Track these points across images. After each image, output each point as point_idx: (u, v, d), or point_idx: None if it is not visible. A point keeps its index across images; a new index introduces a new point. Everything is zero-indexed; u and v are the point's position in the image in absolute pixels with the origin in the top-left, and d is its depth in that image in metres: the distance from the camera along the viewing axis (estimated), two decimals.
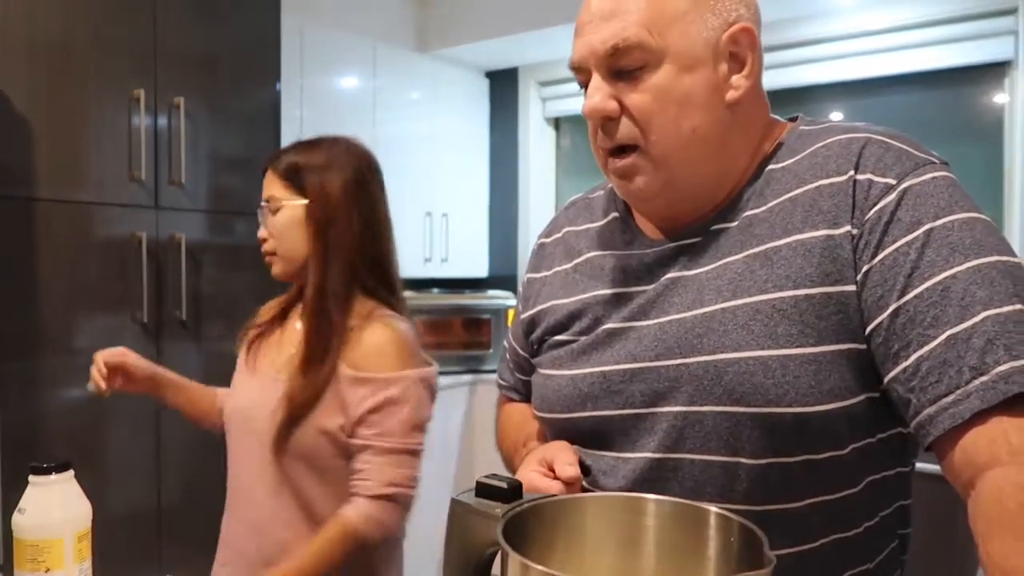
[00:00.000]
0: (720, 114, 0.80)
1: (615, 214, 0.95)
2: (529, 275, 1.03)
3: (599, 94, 0.80)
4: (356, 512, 1.25)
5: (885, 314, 0.71)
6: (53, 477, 0.89)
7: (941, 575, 1.65)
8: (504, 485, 0.61)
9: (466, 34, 3.72)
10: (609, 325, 0.86)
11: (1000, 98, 2.97)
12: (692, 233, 0.85)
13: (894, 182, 0.74)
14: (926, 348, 0.68)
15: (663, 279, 0.84)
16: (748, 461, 0.75)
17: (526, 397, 1.05)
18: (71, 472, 0.91)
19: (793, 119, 0.89)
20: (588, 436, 0.86)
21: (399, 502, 1.29)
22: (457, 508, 0.63)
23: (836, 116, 3.33)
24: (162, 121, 2.21)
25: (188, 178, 2.26)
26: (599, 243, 0.94)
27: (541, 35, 3.58)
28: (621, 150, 0.82)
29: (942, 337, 0.68)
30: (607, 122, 0.81)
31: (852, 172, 0.76)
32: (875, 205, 0.74)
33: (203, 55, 2.32)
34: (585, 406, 0.86)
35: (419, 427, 1.32)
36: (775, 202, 0.80)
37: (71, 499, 0.91)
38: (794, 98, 3.36)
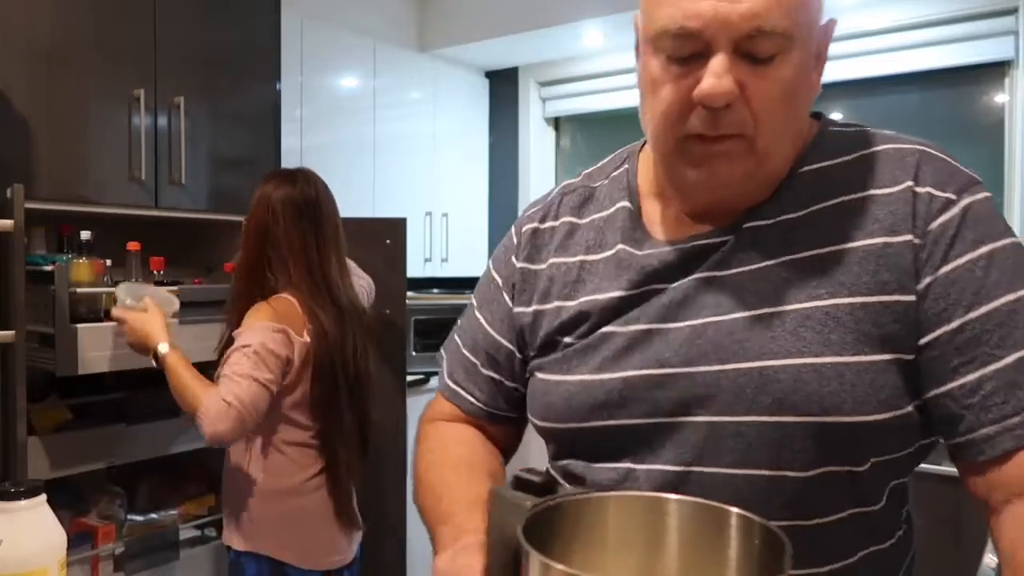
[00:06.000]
0: (807, 112, 0.77)
1: (625, 204, 0.86)
2: (523, 265, 0.90)
3: (728, 77, 0.68)
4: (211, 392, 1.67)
5: (948, 327, 0.70)
6: (24, 503, 0.81)
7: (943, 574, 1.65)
8: (537, 480, 0.60)
9: (466, 34, 3.72)
10: (630, 328, 0.79)
11: (1000, 98, 2.97)
12: (722, 232, 0.78)
13: (954, 197, 0.73)
14: (991, 368, 0.69)
15: (691, 278, 0.78)
16: (793, 474, 0.71)
17: (487, 407, 0.93)
18: (43, 496, 0.83)
19: (815, 116, 0.83)
20: (600, 447, 0.80)
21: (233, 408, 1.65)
22: (493, 499, 0.62)
23: (836, 116, 3.32)
24: (162, 121, 2.21)
25: (188, 178, 2.26)
26: (611, 237, 0.85)
27: (541, 35, 3.58)
28: (719, 136, 0.72)
29: (1011, 359, 0.68)
30: (719, 108, 0.70)
31: (910, 183, 0.73)
32: (938, 218, 0.72)
33: (203, 55, 2.32)
34: (601, 415, 0.79)
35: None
36: (818, 207, 0.76)
37: (49, 525, 0.83)
38: None
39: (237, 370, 1.68)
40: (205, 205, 2.34)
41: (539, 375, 0.86)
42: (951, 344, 0.70)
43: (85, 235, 1.98)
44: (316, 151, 3.05)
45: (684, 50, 0.70)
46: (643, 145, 0.90)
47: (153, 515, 2.21)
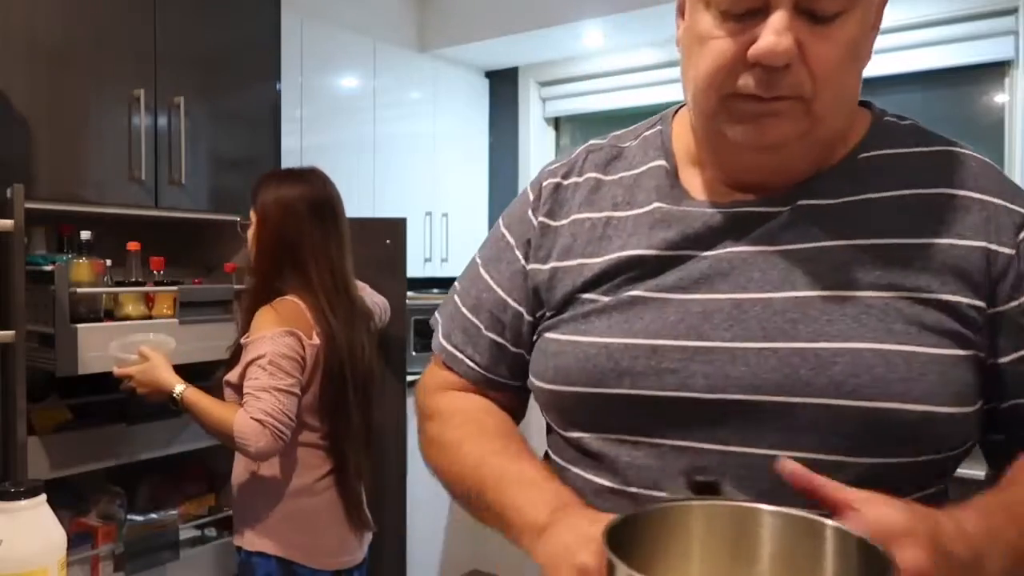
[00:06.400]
0: (860, 82, 0.73)
1: (660, 163, 0.81)
2: (543, 219, 0.84)
3: (788, 35, 0.64)
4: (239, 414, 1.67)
5: None
6: (24, 503, 0.80)
7: None
8: (714, 481, 0.59)
9: (466, 34, 3.72)
10: (663, 293, 0.73)
11: (1000, 98, 2.97)
12: (772, 203, 0.74)
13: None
14: None
15: (736, 248, 0.73)
16: (839, 459, 0.67)
17: (487, 372, 0.87)
18: (43, 496, 0.83)
19: (865, 104, 0.81)
20: (618, 419, 0.74)
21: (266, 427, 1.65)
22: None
23: None
24: (162, 121, 2.21)
25: (188, 178, 2.26)
26: (643, 195, 0.80)
27: (541, 35, 3.58)
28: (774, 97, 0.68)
29: None
30: (777, 69, 0.66)
31: (976, 191, 0.73)
32: (1021, 232, 0.71)
33: (203, 55, 2.32)
34: (621, 382, 0.73)
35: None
36: (881, 195, 0.73)
37: (49, 525, 0.83)
38: None
39: (256, 385, 1.68)
40: (205, 205, 2.34)
41: (550, 335, 0.80)
42: None
43: (85, 235, 1.98)
44: (316, 151, 3.05)
45: (741, 5, 0.66)
46: (677, 110, 0.86)
47: (153, 515, 2.21)
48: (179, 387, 1.77)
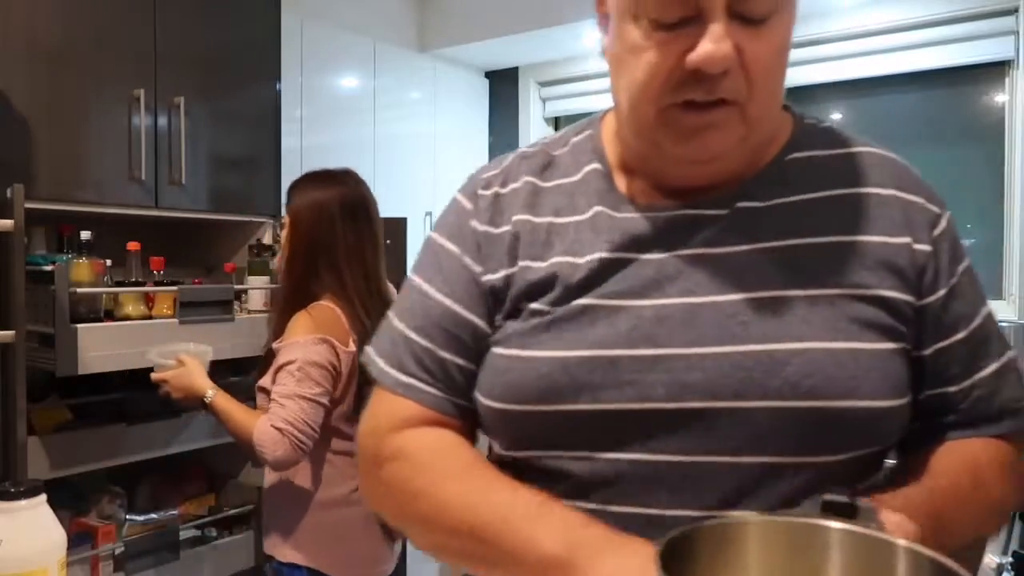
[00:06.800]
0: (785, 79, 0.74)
1: (595, 167, 0.80)
2: (484, 228, 0.80)
3: (727, 41, 0.64)
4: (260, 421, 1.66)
5: (958, 337, 0.75)
6: (24, 503, 0.80)
7: None
8: (850, 501, 0.55)
9: (466, 34, 3.72)
10: (613, 300, 0.72)
11: (1000, 98, 2.97)
12: (712, 206, 0.75)
13: (939, 211, 0.77)
14: (980, 375, 0.76)
15: (681, 252, 0.73)
16: (806, 460, 0.68)
17: (449, 397, 0.78)
18: (43, 496, 0.83)
19: (785, 108, 0.81)
20: (577, 434, 0.71)
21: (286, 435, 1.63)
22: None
23: (836, 116, 3.33)
24: (162, 121, 2.21)
25: (188, 178, 2.26)
26: (584, 200, 0.78)
27: (541, 35, 3.58)
28: (712, 103, 0.68)
29: (992, 368, 0.77)
30: (715, 75, 0.66)
31: (896, 189, 0.76)
32: (936, 227, 0.75)
33: (203, 55, 2.32)
34: (579, 396, 0.70)
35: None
36: (813, 195, 0.75)
37: (49, 525, 0.83)
38: (794, 98, 3.33)
39: (282, 391, 1.66)
40: (205, 205, 2.34)
41: (498, 350, 0.75)
42: (958, 353, 0.75)
43: (85, 235, 1.98)
44: (316, 151, 3.05)
45: (672, 14, 0.66)
46: (604, 114, 0.85)
47: (153, 515, 2.21)
48: (210, 392, 1.75)
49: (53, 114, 1.98)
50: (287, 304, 1.79)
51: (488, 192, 0.82)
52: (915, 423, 0.76)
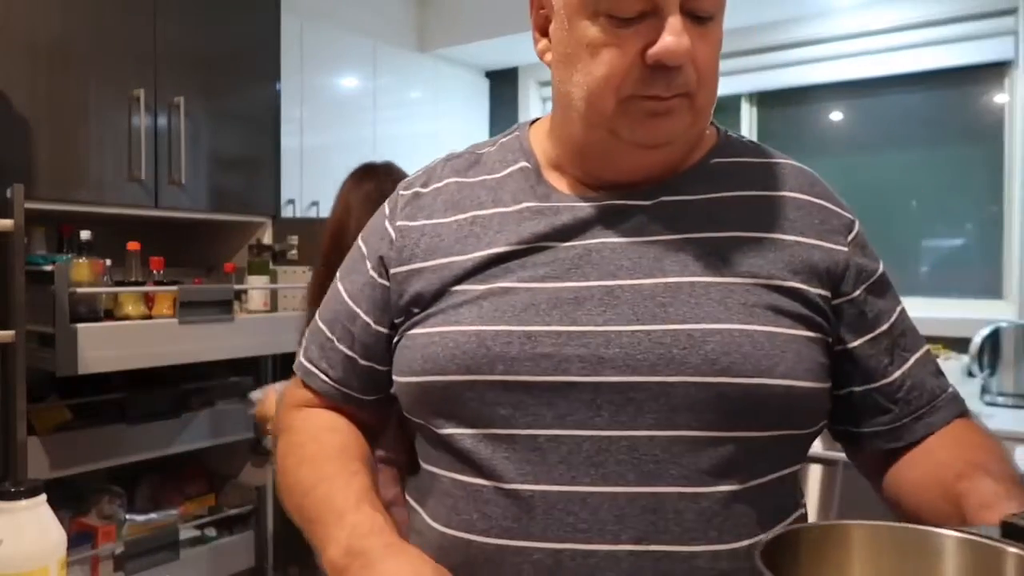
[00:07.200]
0: None
1: (523, 164, 0.84)
2: (402, 223, 0.84)
3: (685, 36, 0.69)
4: None
5: (880, 330, 0.80)
6: (24, 503, 0.80)
7: None
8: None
9: (466, 34, 3.72)
10: (535, 283, 0.75)
11: (1000, 98, 2.97)
12: (637, 197, 0.78)
13: (851, 217, 0.82)
14: (906, 367, 0.81)
15: (605, 239, 0.77)
16: (722, 434, 0.70)
17: (340, 387, 0.87)
18: (43, 496, 0.82)
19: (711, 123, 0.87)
20: (493, 409, 0.73)
21: None
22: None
23: (836, 116, 3.33)
24: (162, 121, 2.21)
25: (188, 178, 2.26)
26: (508, 195, 0.82)
27: None
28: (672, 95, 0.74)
29: (914, 358, 0.81)
30: (673, 68, 0.71)
31: (810, 195, 0.81)
32: (851, 231, 0.81)
33: (203, 55, 2.32)
34: (494, 368, 0.72)
35: None
36: (735, 193, 0.80)
37: (49, 525, 0.83)
38: (794, 98, 3.35)
39: None
40: (205, 205, 2.34)
41: (417, 330, 0.79)
42: (882, 346, 0.80)
43: (85, 235, 1.98)
44: (316, 151, 3.05)
45: (631, 9, 0.70)
46: (530, 123, 0.90)
47: (153, 515, 2.21)
48: None
49: (53, 114, 1.99)
50: (315, 302, 1.74)
51: (408, 192, 0.88)
52: (855, 424, 0.82)
